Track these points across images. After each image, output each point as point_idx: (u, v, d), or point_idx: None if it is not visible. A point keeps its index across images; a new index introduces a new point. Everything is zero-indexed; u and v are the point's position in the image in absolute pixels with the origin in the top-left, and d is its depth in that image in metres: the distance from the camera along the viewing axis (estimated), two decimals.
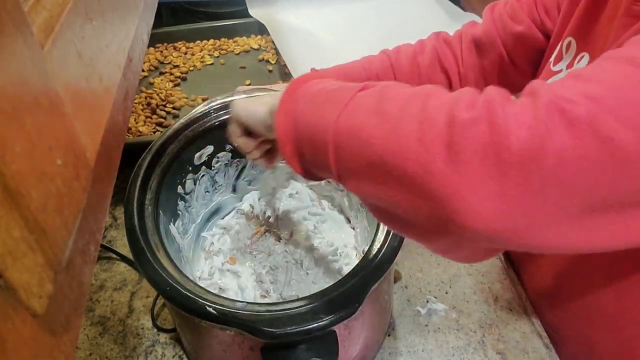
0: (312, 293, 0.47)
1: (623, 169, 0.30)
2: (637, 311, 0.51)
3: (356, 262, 0.63)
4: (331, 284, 0.47)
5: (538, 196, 0.30)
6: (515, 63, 0.68)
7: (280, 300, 0.57)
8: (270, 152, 0.55)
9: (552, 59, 0.59)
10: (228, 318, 0.43)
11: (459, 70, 0.70)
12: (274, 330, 0.42)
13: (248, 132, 0.51)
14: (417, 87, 0.36)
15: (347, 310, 0.44)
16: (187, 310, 0.45)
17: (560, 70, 0.57)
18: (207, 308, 0.44)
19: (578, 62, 0.55)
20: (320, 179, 0.44)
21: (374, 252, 0.49)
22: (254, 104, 0.49)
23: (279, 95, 0.43)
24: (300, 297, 0.47)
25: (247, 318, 0.43)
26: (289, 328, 0.42)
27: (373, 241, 0.50)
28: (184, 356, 0.62)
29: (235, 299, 0.48)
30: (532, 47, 0.65)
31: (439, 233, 0.34)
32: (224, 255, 0.65)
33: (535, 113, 0.30)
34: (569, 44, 0.56)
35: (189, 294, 0.45)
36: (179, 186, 0.62)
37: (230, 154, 0.67)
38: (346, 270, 0.62)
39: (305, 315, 0.43)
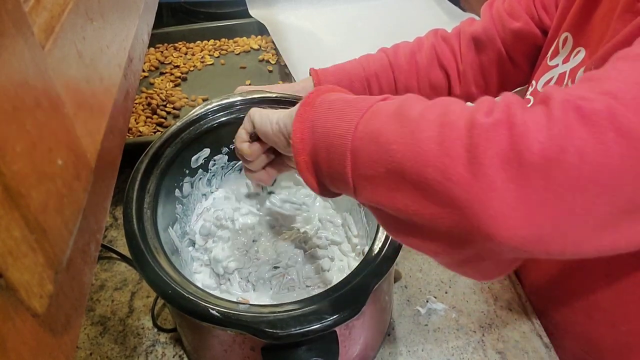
0: (311, 294, 0.47)
1: None
2: (634, 307, 0.51)
3: (353, 261, 0.63)
4: (331, 285, 0.47)
5: (563, 199, 0.29)
6: (513, 60, 0.68)
7: (283, 302, 0.57)
8: (273, 164, 0.53)
9: (549, 54, 0.60)
10: (231, 320, 0.43)
11: (457, 68, 0.70)
12: (277, 331, 0.42)
13: (255, 140, 0.49)
14: (438, 98, 0.35)
15: (350, 310, 0.44)
16: (190, 313, 0.45)
17: (557, 65, 0.58)
18: (210, 311, 0.44)
19: (574, 56, 0.55)
20: (334, 195, 0.42)
21: (376, 252, 0.49)
22: (271, 111, 0.47)
23: (294, 107, 0.42)
24: (301, 298, 0.47)
25: (250, 320, 0.43)
26: (292, 329, 0.42)
27: (374, 241, 0.50)
28: (184, 356, 0.62)
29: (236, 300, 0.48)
30: (530, 44, 0.66)
31: (460, 244, 0.32)
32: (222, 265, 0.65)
33: (550, 114, 0.30)
34: (566, 39, 0.57)
35: (191, 297, 0.45)
36: (177, 189, 0.62)
37: (226, 157, 0.67)
38: (339, 268, 0.62)
39: (309, 316, 0.43)
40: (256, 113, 0.48)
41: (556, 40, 0.59)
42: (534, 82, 0.61)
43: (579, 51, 0.55)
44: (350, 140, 0.36)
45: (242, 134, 0.50)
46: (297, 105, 0.42)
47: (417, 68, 0.70)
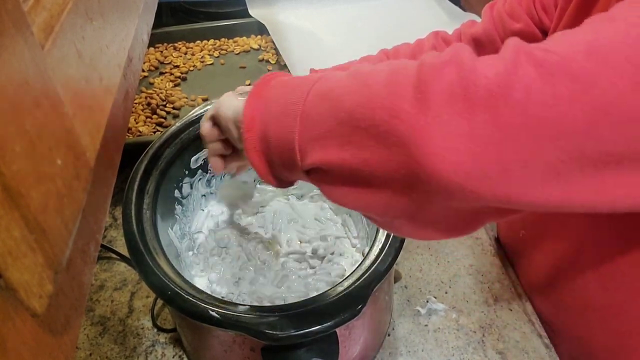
0: (313, 295, 0.47)
1: (599, 114, 0.28)
2: (627, 306, 0.51)
3: (352, 260, 0.63)
4: (331, 285, 0.47)
5: (508, 137, 0.28)
6: None
7: (283, 303, 0.57)
8: (229, 159, 0.51)
9: None
10: (231, 322, 0.43)
11: None
12: (277, 332, 0.42)
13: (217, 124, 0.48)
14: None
15: (351, 312, 0.44)
16: (190, 314, 0.45)
17: None
18: (210, 312, 0.44)
19: None
20: (280, 181, 0.40)
21: (376, 253, 0.49)
22: (235, 99, 0.45)
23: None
24: (302, 299, 0.47)
25: (249, 321, 0.43)
26: (292, 331, 0.42)
27: (374, 242, 0.50)
28: (184, 356, 0.62)
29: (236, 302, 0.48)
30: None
31: (408, 187, 0.31)
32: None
33: (502, 56, 0.30)
34: None
35: (191, 299, 0.45)
36: (176, 190, 0.62)
37: None
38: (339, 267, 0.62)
39: (309, 317, 0.43)
40: (222, 97, 0.47)
41: None
42: None
43: None
44: (302, 105, 0.35)
45: (207, 114, 0.49)
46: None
47: None
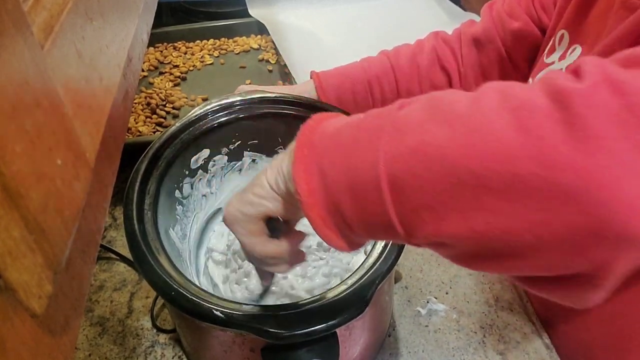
0: (315, 293, 0.47)
1: None
2: (627, 308, 0.51)
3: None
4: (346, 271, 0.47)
5: None
6: (513, 60, 0.68)
7: (286, 302, 0.57)
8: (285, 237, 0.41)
9: (545, 51, 0.60)
10: (236, 321, 0.43)
11: (458, 69, 0.70)
12: (282, 331, 0.42)
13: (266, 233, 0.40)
14: (469, 93, 0.29)
15: (355, 309, 0.44)
16: (194, 314, 0.45)
17: (553, 62, 0.58)
18: (214, 311, 0.44)
19: (570, 53, 0.55)
20: (362, 244, 0.34)
21: (379, 250, 0.49)
22: (246, 191, 0.38)
23: (285, 154, 0.34)
24: (305, 297, 0.47)
25: (254, 320, 0.43)
26: (296, 330, 0.42)
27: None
28: (184, 357, 0.62)
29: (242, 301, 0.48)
30: (530, 44, 0.66)
31: (577, 252, 0.25)
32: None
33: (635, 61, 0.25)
34: (562, 36, 0.57)
35: (194, 298, 0.45)
36: (177, 190, 0.62)
37: (226, 157, 0.67)
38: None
39: (314, 316, 0.43)
40: (239, 207, 0.38)
41: (552, 38, 0.59)
42: (530, 79, 0.62)
43: (575, 48, 0.55)
44: (382, 169, 0.28)
45: (249, 240, 0.39)
46: (286, 155, 0.35)
47: (419, 70, 0.70)
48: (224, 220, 0.40)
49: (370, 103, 0.70)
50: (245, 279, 0.59)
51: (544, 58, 0.60)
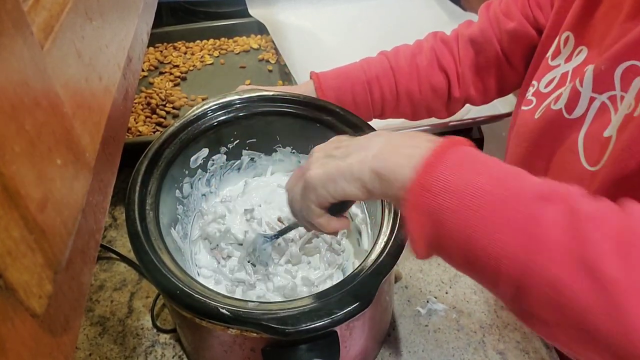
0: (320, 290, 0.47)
1: None
2: None
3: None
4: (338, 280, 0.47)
5: None
6: (510, 61, 0.68)
7: (289, 297, 0.57)
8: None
9: (549, 54, 0.60)
10: (241, 318, 0.43)
11: (457, 70, 0.70)
12: (287, 328, 0.42)
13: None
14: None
15: (358, 306, 0.44)
16: (200, 313, 0.45)
17: (559, 65, 0.58)
18: (220, 309, 0.44)
19: (576, 55, 0.55)
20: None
21: (380, 249, 0.49)
22: (333, 167, 0.39)
23: (392, 153, 0.35)
24: (309, 294, 0.47)
25: (260, 317, 0.43)
26: (302, 325, 0.42)
27: (378, 236, 0.50)
28: (184, 356, 0.62)
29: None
30: (526, 44, 0.66)
31: None
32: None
33: None
34: (567, 38, 0.57)
35: (200, 297, 0.45)
36: (177, 190, 0.62)
37: (225, 157, 0.67)
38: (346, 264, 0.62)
39: (317, 312, 0.43)
40: (314, 177, 0.40)
41: (557, 40, 0.59)
42: (535, 82, 0.61)
43: (581, 50, 0.55)
44: (508, 271, 0.30)
45: (313, 210, 0.42)
46: (399, 161, 0.34)
47: (418, 71, 0.70)
48: (306, 180, 0.41)
49: (370, 104, 0.70)
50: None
51: (549, 60, 0.60)
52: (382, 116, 0.73)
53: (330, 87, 0.69)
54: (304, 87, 0.71)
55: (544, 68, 0.60)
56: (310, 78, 0.71)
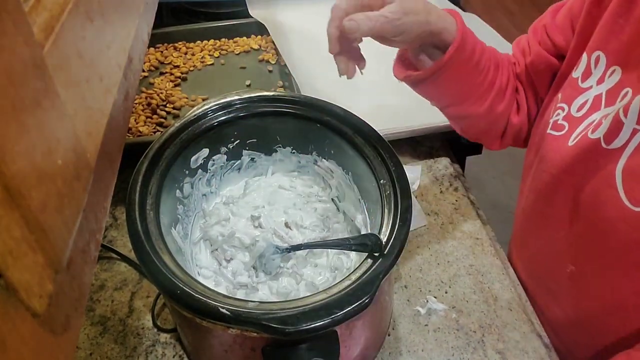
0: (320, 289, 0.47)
1: None
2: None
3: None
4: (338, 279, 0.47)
5: None
6: (536, 91, 0.66)
7: (291, 298, 0.57)
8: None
9: (579, 74, 0.56)
10: (242, 318, 0.43)
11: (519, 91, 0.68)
12: (287, 327, 0.42)
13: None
14: None
15: (358, 306, 0.44)
16: (200, 313, 0.45)
17: (590, 87, 0.55)
18: (220, 309, 0.44)
19: (609, 76, 0.53)
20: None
21: (383, 243, 0.49)
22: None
23: None
24: (311, 293, 0.47)
25: (260, 317, 0.43)
26: (303, 325, 0.43)
27: (379, 232, 0.51)
28: (184, 356, 0.62)
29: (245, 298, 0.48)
30: (546, 71, 0.64)
31: None
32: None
33: None
34: (597, 58, 0.54)
35: (200, 297, 0.45)
36: (177, 190, 0.62)
37: (225, 157, 0.67)
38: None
39: (317, 312, 0.43)
40: None
41: (585, 60, 0.55)
42: (564, 105, 0.58)
43: (614, 71, 0.52)
44: None
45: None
46: None
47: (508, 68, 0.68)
48: None
49: (485, 75, 0.65)
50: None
51: (579, 82, 0.56)
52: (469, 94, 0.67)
53: (470, 33, 0.66)
54: (443, 17, 0.67)
55: (573, 90, 0.57)
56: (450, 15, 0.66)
